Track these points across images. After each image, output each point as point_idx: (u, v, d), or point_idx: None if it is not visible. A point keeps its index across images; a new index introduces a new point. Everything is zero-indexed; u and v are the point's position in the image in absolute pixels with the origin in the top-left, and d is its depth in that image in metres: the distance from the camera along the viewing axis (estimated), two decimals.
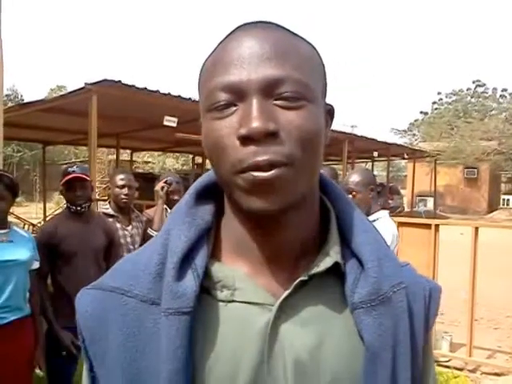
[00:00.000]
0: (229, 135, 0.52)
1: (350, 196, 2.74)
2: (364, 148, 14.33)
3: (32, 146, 23.82)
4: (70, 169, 2.74)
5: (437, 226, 4.28)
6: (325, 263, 0.58)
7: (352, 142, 12.40)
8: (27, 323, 2.45)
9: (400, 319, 0.57)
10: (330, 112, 0.62)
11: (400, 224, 4.11)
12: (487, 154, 23.11)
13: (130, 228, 3.28)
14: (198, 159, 17.33)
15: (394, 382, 0.56)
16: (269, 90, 0.52)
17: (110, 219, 3.18)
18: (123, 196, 3.25)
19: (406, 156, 18.56)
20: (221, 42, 0.57)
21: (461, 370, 4.24)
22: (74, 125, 8.88)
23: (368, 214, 2.72)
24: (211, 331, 0.56)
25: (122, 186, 3.27)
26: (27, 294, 2.48)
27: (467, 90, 41.03)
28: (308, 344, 0.56)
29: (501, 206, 29.27)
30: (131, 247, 3.19)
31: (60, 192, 2.81)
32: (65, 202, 2.81)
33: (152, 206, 3.76)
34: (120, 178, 3.30)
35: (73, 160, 22.45)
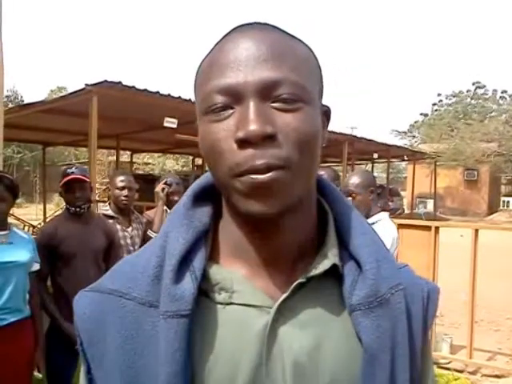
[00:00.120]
0: (226, 138, 0.52)
1: (350, 198, 2.73)
2: (364, 149, 14.33)
3: (32, 147, 23.83)
4: (68, 170, 2.74)
5: (437, 227, 4.28)
6: (323, 265, 0.58)
7: (352, 144, 12.39)
8: (27, 325, 2.45)
9: (398, 321, 0.57)
10: (326, 113, 0.62)
11: (400, 226, 4.11)
12: (487, 156, 23.15)
13: (130, 229, 3.28)
14: (198, 161, 17.32)
15: (392, 383, 0.56)
16: (266, 92, 0.52)
17: (110, 221, 3.18)
18: (123, 197, 3.25)
19: (405, 158, 18.55)
20: (217, 44, 0.57)
21: (461, 372, 4.23)
22: (74, 126, 8.89)
23: (368, 216, 2.72)
24: (210, 334, 0.56)
25: (122, 188, 3.27)
26: (27, 296, 2.47)
27: (467, 91, 41.09)
28: (306, 346, 0.56)
29: (501, 207, 29.31)
30: (131, 248, 3.19)
31: (59, 193, 2.81)
32: (64, 203, 2.81)
33: (152, 208, 3.76)
34: (120, 180, 3.30)
35: (73, 161, 22.46)
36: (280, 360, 0.55)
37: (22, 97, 32.26)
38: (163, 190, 3.26)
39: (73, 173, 2.69)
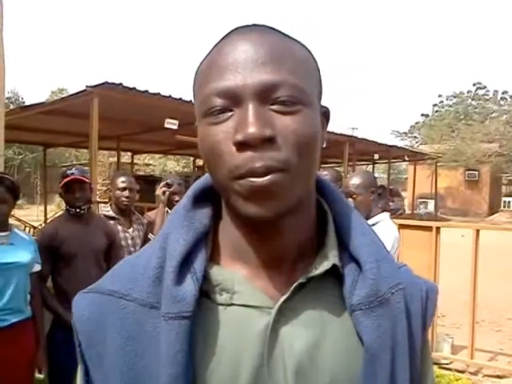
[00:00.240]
0: (225, 141, 0.52)
1: (351, 199, 2.73)
2: (365, 150, 14.34)
3: (33, 149, 23.87)
4: (68, 171, 2.75)
5: (438, 228, 4.28)
6: (323, 266, 0.58)
7: (353, 145, 12.40)
8: (28, 326, 2.45)
9: (398, 320, 0.57)
10: (325, 114, 0.62)
11: (401, 226, 4.11)
12: (488, 157, 23.15)
13: (131, 230, 3.29)
14: (199, 162, 17.34)
15: (393, 382, 0.56)
16: (265, 94, 0.52)
17: (111, 221, 3.18)
18: (124, 198, 3.26)
19: (406, 158, 18.56)
20: (216, 45, 0.57)
21: (462, 372, 4.23)
22: (75, 127, 8.91)
23: (369, 217, 2.72)
24: (211, 335, 0.56)
25: (123, 189, 3.27)
26: (28, 297, 2.48)
27: (468, 92, 41.10)
28: (307, 346, 0.56)
29: (502, 208, 29.31)
30: (132, 249, 3.19)
31: (59, 194, 2.82)
32: (65, 204, 2.81)
33: (153, 209, 3.77)
34: (121, 181, 3.31)
35: (74, 162, 22.48)
36: (281, 360, 0.55)
37: (22, 98, 32.32)
38: (164, 193, 3.27)
39: (72, 174, 2.69)
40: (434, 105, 43.17)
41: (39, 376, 2.55)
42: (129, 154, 16.44)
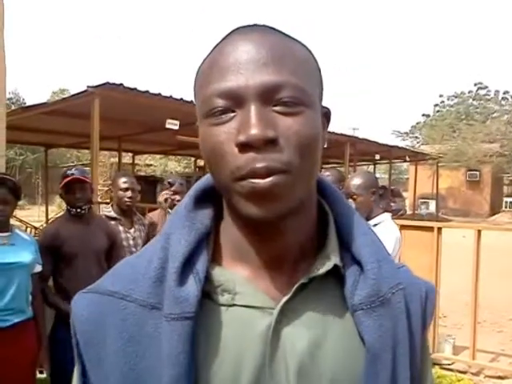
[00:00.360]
0: (227, 141, 0.52)
1: (351, 200, 2.73)
2: (366, 151, 14.33)
3: (34, 149, 23.91)
4: (68, 171, 2.76)
5: (439, 228, 4.27)
6: (325, 266, 0.58)
7: (354, 145, 12.40)
8: (30, 326, 2.46)
9: (399, 320, 0.58)
10: (326, 115, 0.62)
11: (402, 227, 4.10)
12: (489, 157, 23.14)
13: (132, 231, 3.29)
14: (200, 162, 17.34)
15: (394, 382, 0.56)
16: (267, 96, 0.52)
17: (113, 222, 3.19)
18: (127, 199, 3.26)
19: (407, 159, 18.55)
20: (217, 46, 0.57)
21: (464, 373, 4.23)
22: (76, 128, 8.92)
23: (370, 218, 2.71)
24: (213, 336, 0.56)
25: (126, 189, 3.28)
26: (30, 297, 2.48)
27: (469, 92, 41.05)
28: (309, 347, 0.56)
29: (503, 208, 29.27)
30: (133, 250, 3.20)
31: (60, 195, 2.82)
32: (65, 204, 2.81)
33: (154, 209, 3.77)
34: (123, 181, 3.31)
35: (75, 163, 22.50)
36: (283, 361, 0.55)
37: (24, 99, 32.33)
38: (166, 200, 3.27)
39: (73, 174, 2.70)
40: (435, 105, 43.15)
41: (41, 376, 2.55)
42: (130, 154, 16.46)
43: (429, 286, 0.66)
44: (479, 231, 4.12)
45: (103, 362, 0.57)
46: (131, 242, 3.24)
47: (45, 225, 10.87)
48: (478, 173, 27.88)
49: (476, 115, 34.95)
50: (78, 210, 2.71)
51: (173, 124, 6.86)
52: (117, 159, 14.79)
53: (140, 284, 0.58)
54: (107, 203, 3.98)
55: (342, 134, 11.31)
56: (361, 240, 0.61)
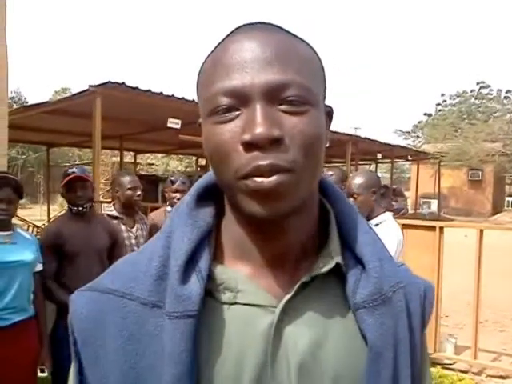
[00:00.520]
0: (231, 140, 0.52)
1: (351, 199, 2.72)
2: (367, 150, 14.32)
3: (36, 148, 23.93)
4: (69, 170, 2.77)
5: (441, 228, 4.26)
6: (327, 264, 0.58)
7: (355, 144, 12.38)
8: (31, 325, 2.46)
9: (399, 318, 0.58)
10: (329, 114, 0.62)
11: (404, 226, 4.10)
12: (491, 156, 23.07)
13: (134, 229, 3.30)
14: (202, 161, 17.35)
15: (395, 379, 0.57)
16: (272, 94, 0.52)
17: (115, 221, 3.20)
18: (137, 197, 3.31)
19: (409, 158, 18.53)
20: (220, 43, 0.56)
21: (466, 372, 4.22)
22: (77, 127, 8.93)
23: (371, 217, 2.70)
24: (215, 334, 0.56)
25: (134, 188, 3.31)
26: (31, 296, 2.48)
27: (471, 91, 40.91)
28: (311, 345, 0.56)
29: (505, 207, 29.20)
30: (135, 248, 3.20)
31: (61, 194, 2.83)
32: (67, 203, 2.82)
33: (156, 208, 3.77)
34: (130, 181, 3.34)
35: (77, 162, 22.54)
36: (285, 359, 0.55)
37: (26, 98, 32.33)
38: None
39: (74, 172, 2.71)
40: (437, 104, 42.99)
41: (42, 375, 2.56)
42: (131, 153, 16.46)
43: (427, 284, 0.66)
44: (481, 231, 4.11)
45: (101, 361, 0.57)
46: (133, 241, 3.25)
47: (46, 224, 10.90)
48: (480, 172, 27.81)
49: (478, 114, 34.84)
50: (80, 209, 2.71)
51: (174, 123, 6.86)
52: (118, 158, 14.80)
53: (141, 282, 0.57)
54: (109, 202, 3.99)
55: (343, 133, 11.29)
56: (362, 238, 0.61)
